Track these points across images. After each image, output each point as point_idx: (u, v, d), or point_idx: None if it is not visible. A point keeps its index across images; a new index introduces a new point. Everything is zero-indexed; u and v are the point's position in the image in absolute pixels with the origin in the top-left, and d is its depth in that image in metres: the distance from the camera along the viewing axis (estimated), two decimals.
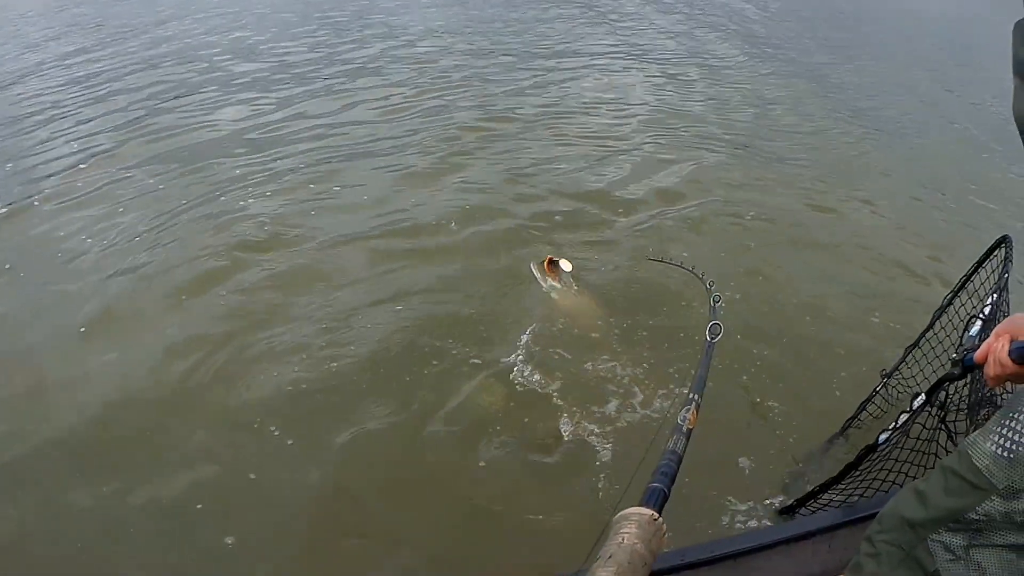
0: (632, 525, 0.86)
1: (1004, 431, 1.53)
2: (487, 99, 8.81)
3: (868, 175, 7.57)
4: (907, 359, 3.13)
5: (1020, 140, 1.44)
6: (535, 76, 10.06)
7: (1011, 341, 1.62)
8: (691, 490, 3.11)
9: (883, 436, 2.45)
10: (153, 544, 2.84)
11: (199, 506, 2.98)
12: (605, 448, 3.30)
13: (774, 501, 3.09)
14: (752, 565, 2.18)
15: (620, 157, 7.23)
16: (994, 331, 1.72)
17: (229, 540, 2.82)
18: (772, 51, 13.49)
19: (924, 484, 1.69)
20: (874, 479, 2.52)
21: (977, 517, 1.54)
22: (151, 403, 3.56)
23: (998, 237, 2.62)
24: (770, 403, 3.75)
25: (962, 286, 2.82)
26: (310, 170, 6.32)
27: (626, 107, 9.09)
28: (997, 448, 1.51)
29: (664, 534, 0.91)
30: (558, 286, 4.44)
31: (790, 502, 2.95)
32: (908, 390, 3.08)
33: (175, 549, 2.83)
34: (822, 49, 14.41)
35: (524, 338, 4.00)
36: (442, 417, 3.48)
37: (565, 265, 4.48)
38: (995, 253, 2.62)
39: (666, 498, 0.99)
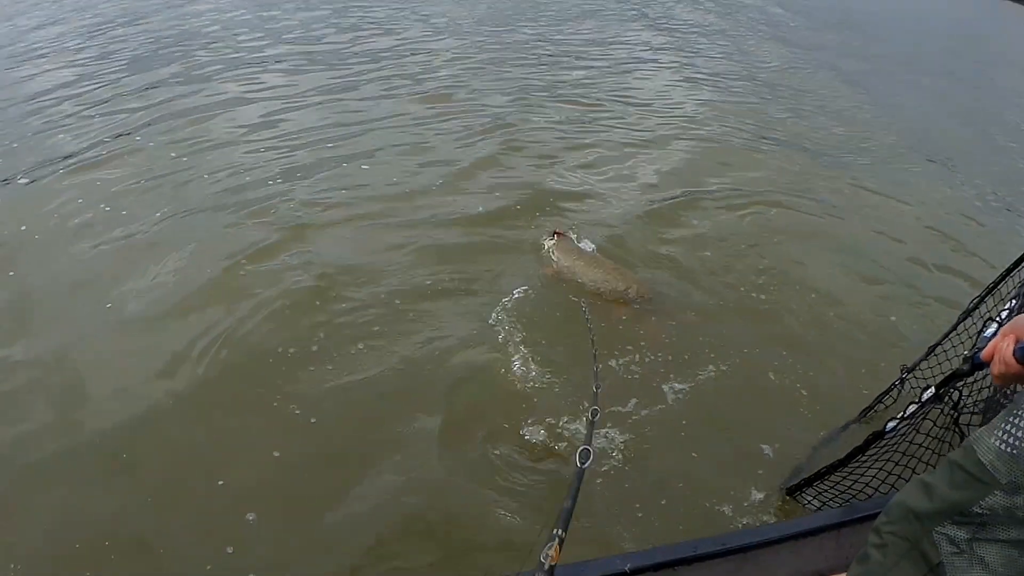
0: None
1: (1008, 427, 1.55)
2: (523, 91, 8.75)
3: (906, 177, 7.49)
4: (928, 357, 3.21)
5: None
6: (570, 69, 10.01)
7: (1016, 341, 1.65)
8: (707, 475, 3.27)
9: (891, 424, 2.54)
10: (174, 520, 2.90)
11: (220, 483, 3.03)
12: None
13: (785, 485, 3.18)
14: (762, 560, 2.25)
15: (654, 148, 7.28)
16: (1001, 331, 1.76)
17: (250, 516, 2.90)
18: (815, 53, 13.14)
19: (931, 477, 1.72)
20: (880, 470, 2.60)
21: (980, 511, 1.56)
22: (171, 384, 3.56)
23: None
24: (796, 392, 3.84)
25: (989, 292, 2.87)
26: (338, 156, 6.30)
27: (662, 100, 9.09)
28: (1001, 444, 1.55)
29: None
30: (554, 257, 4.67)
31: (797, 481, 3.07)
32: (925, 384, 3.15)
33: (196, 525, 2.88)
34: (855, 54, 13.94)
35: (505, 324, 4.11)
36: (451, 406, 3.54)
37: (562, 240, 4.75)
38: None
39: None
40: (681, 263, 4.98)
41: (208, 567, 2.71)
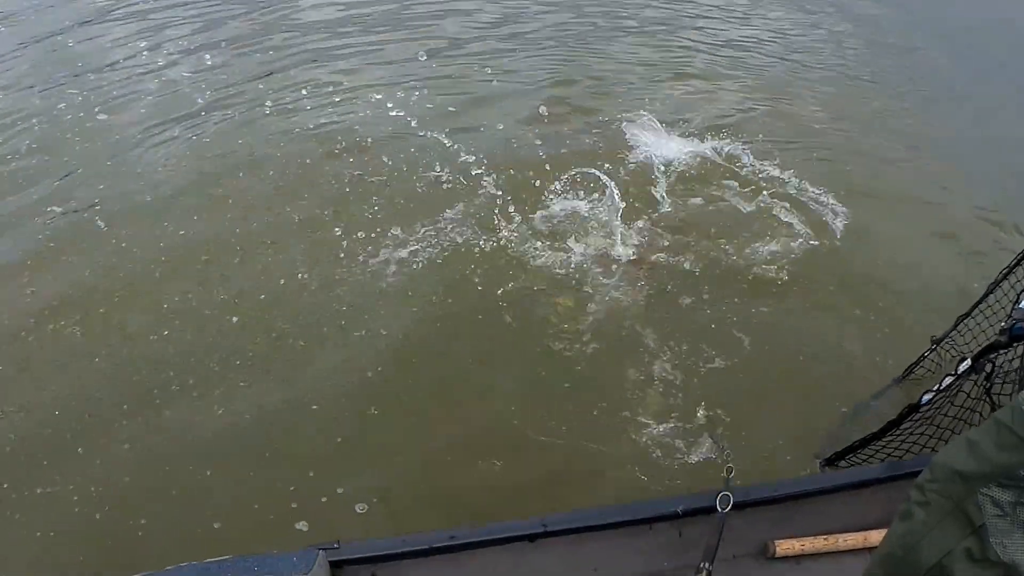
0: None
1: None
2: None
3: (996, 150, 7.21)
4: (959, 327, 3.23)
5: None
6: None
7: None
8: (770, 426, 3.44)
9: (926, 397, 2.60)
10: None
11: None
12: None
13: (821, 456, 3.23)
14: (809, 509, 2.29)
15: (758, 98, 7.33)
16: None
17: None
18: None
19: (976, 435, 1.67)
20: (914, 443, 2.64)
21: None
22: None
23: None
24: (872, 351, 3.93)
25: (1017, 263, 2.90)
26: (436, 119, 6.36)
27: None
28: None
29: None
30: None
31: (829, 454, 3.13)
32: (959, 355, 3.18)
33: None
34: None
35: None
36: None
37: None
38: None
39: None
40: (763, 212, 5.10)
41: None
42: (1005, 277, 2.99)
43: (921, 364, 3.46)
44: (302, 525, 2.91)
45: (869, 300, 4.38)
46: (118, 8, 8.82)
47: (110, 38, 8.03)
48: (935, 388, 2.55)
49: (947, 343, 3.32)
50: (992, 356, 2.35)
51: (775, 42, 9.28)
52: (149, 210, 4.86)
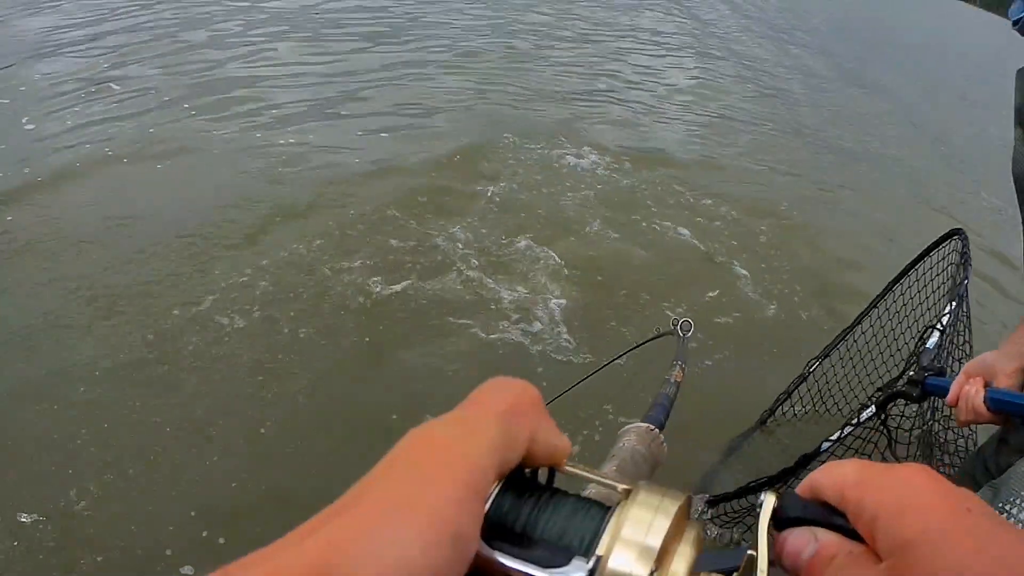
0: (632, 433, 1.04)
1: (1010, 508, 1.43)
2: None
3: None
4: (838, 346, 3.00)
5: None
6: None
7: (985, 387, 1.56)
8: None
9: (825, 445, 2.30)
10: None
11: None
12: None
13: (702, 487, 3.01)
14: None
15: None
16: (963, 370, 1.66)
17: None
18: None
19: None
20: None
21: None
22: None
23: (949, 230, 2.35)
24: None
25: (896, 281, 2.69)
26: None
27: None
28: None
29: (662, 442, 1.06)
30: None
31: (708, 498, 2.79)
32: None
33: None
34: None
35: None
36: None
37: None
38: (944, 245, 2.43)
39: (661, 425, 1.12)
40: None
41: None
42: (858, 322, 2.81)
43: (782, 408, 3.20)
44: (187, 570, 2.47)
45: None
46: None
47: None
48: (835, 437, 2.23)
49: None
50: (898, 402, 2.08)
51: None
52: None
